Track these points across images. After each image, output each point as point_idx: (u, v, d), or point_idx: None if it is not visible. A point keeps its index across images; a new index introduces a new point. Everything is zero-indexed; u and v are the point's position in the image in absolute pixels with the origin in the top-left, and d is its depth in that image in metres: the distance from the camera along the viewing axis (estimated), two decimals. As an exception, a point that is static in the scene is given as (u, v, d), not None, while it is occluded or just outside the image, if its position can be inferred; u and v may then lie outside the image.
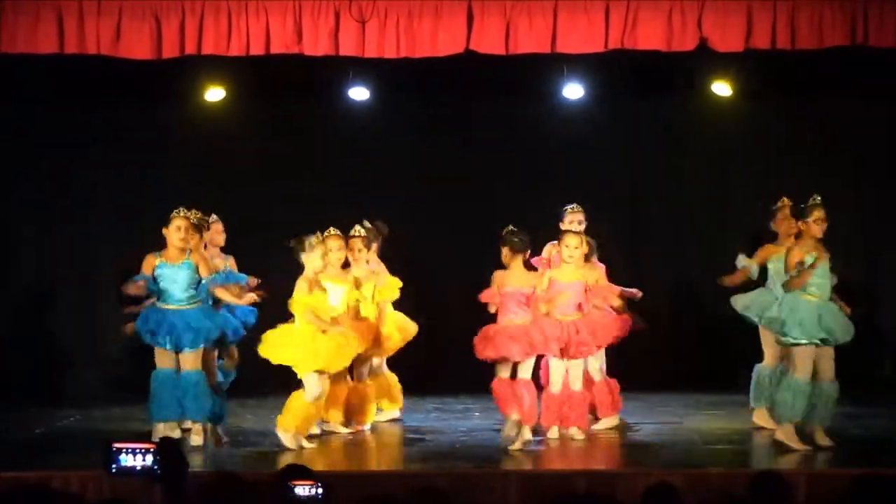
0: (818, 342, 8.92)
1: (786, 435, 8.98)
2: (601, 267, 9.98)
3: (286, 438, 9.10)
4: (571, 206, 10.13)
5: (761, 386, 9.82)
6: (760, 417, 9.83)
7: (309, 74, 10.95)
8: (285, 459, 8.62)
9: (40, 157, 11.98)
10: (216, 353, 9.64)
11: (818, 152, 11.90)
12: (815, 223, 9.03)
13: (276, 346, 9.15)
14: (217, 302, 9.45)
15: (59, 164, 12.02)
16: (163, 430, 9.10)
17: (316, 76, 11.10)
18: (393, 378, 10.35)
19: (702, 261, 12.08)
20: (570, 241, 9.44)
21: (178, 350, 9.16)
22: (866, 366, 10.97)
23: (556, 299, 9.26)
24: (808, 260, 8.96)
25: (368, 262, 9.97)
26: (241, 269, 10.15)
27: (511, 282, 9.18)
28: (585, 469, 8.63)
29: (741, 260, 9.95)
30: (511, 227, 9.29)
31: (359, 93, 11.54)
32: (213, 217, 10.29)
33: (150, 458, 5.43)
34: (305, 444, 9.17)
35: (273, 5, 9.65)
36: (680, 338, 11.98)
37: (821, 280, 8.99)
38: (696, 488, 7.58)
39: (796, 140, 11.99)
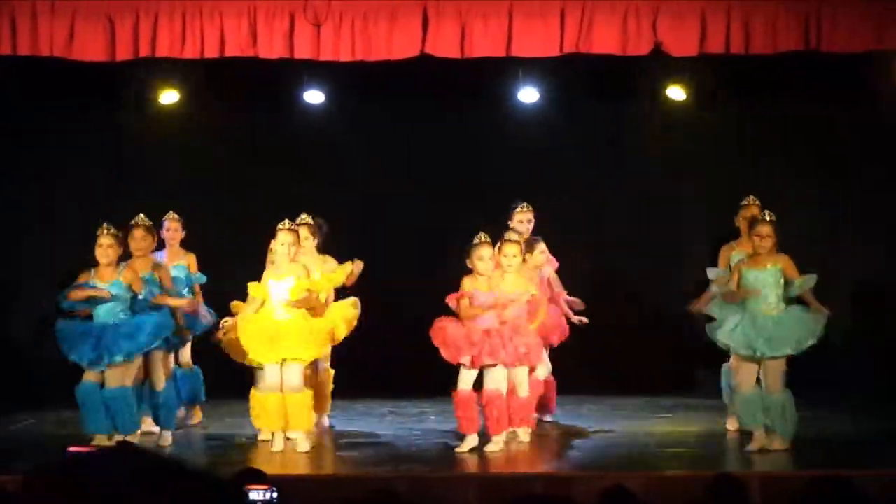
0: (744, 354, 8.98)
1: (754, 441, 9.00)
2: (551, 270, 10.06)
3: (273, 438, 9.08)
4: (521, 204, 10.13)
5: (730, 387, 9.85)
6: (732, 422, 9.76)
7: (264, 77, 10.90)
8: (240, 463, 8.56)
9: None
10: (167, 357, 9.53)
11: (774, 154, 11.94)
12: (755, 237, 9.05)
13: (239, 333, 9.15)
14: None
15: (16, 165, 11.92)
16: (99, 441, 8.79)
17: (271, 79, 11.05)
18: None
19: (658, 264, 12.10)
20: (508, 249, 9.22)
21: (96, 365, 8.88)
22: (820, 368, 11.01)
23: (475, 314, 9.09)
24: (745, 274, 9.00)
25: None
26: (200, 268, 10.19)
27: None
28: (543, 472, 8.65)
29: (713, 274, 9.63)
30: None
31: (314, 96, 11.51)
32: (169, 214, 10.22)
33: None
34: (301, 445, 9.11)
35: (227, 8, 9.57)
36: (636, 341, 11.96)
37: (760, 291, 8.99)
38: (653, 491, 7.58)
39: (751, 142, 12.03)
